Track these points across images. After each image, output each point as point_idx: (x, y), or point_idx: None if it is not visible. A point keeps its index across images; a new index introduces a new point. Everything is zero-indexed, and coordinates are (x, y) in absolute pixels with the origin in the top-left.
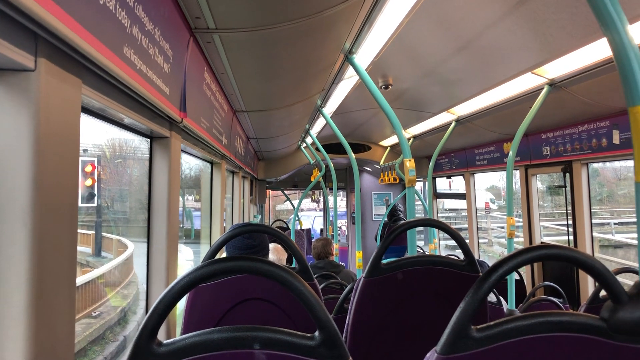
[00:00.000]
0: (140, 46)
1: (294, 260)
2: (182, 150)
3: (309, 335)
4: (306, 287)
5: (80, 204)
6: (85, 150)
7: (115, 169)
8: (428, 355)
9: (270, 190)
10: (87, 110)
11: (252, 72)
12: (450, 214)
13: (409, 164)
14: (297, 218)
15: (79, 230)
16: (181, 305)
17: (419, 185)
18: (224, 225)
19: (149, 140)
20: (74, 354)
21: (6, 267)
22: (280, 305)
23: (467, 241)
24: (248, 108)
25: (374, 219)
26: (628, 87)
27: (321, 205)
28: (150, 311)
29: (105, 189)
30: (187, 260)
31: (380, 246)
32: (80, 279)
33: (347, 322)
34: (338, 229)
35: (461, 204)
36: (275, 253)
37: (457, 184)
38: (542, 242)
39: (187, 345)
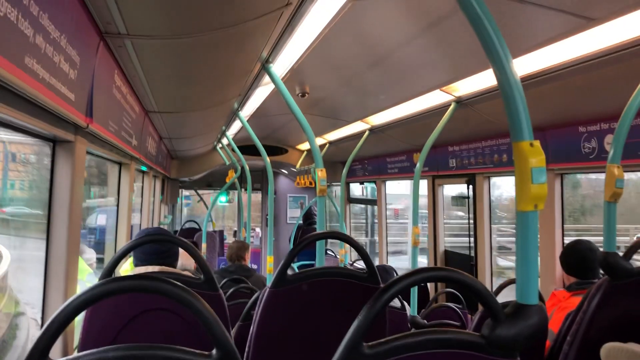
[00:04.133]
0: (45, 55)
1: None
2: (88, 152)
3: (206, 353)
4: (203, 305)
5: None
6: None
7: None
8: None
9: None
10: None
11: (165, 76)
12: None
13: (320, 173)
14: (210, 219)
15: None
16: (81, 315)
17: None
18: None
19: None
20: None
21: None
22: (182, 315)
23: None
24: (161, 109)
25: (288, 221)
26: (512, 124)
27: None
28: (42, 331)
29: None
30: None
31: (287, 258)
32: None
33: (251, 331)
34: (252, 230)
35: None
36: (184, 258)
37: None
38: (445, 249)
39: None
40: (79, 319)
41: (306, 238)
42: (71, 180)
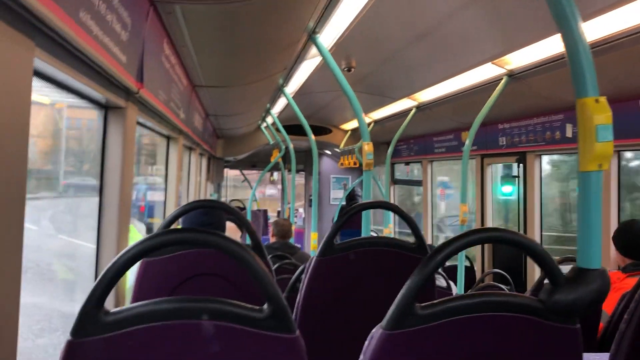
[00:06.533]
0: (98, 12)
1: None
2: (138, 123)
3: (257, 307)
4: (256, 260)
5: None
6: None
7: None
8: (374, 330)
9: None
10: (38, 74)
11: (213, 46)
12: None
13: (367, 147)
14: (254, 198)
15: None
16: (131, 279)
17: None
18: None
19: (103, 110)
20: None
21: None
22: (231, 280)
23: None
24: (208, 83)
25: (331, 202)
26: (576, 80)
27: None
28: (97, 279)
29: None
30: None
31: (334, 226)
32: None
33: (298, 299)
34: (295, 211)
35: None
36: (230, 232)
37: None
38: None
39: (134, 314)
40: (130, 285)
41: (354, 207)
42: (122, 147)
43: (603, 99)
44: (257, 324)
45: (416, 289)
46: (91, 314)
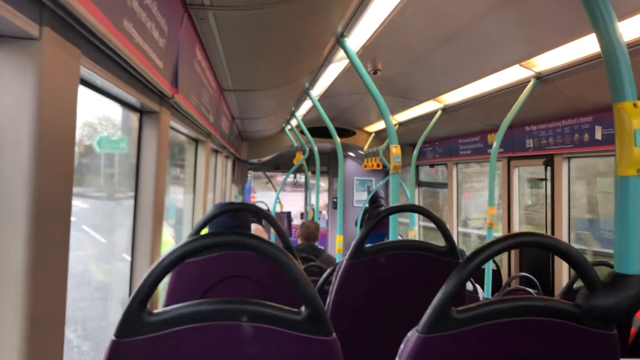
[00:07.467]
0: (139, 19)
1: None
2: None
3: (295, 310)
4: (294, 263)
5: None
6: None
7: None
8: (409, 334)
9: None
10: (81, 80)
11: (243, 51)
12: None
13: (395, 150)
14: (278, 200)
15: None
16: (164, 281)
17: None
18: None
19: (138, 114)
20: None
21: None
22: (262, 284)
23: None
24: (235, 87)
25: (354, 204)
26: (614, 84)
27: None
28: (141, 282)
29: None
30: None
31: (364, 229)
32: None
33: (327, 302)
34: (318, 213)
35: None
36: (258, 234)
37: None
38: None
39: (177, 315)
40: (162, 289)
41: (384, 210)
42: (157, 151)
43: None
44: (295, 326)
45: (453, 293)
46: (135, 314)
